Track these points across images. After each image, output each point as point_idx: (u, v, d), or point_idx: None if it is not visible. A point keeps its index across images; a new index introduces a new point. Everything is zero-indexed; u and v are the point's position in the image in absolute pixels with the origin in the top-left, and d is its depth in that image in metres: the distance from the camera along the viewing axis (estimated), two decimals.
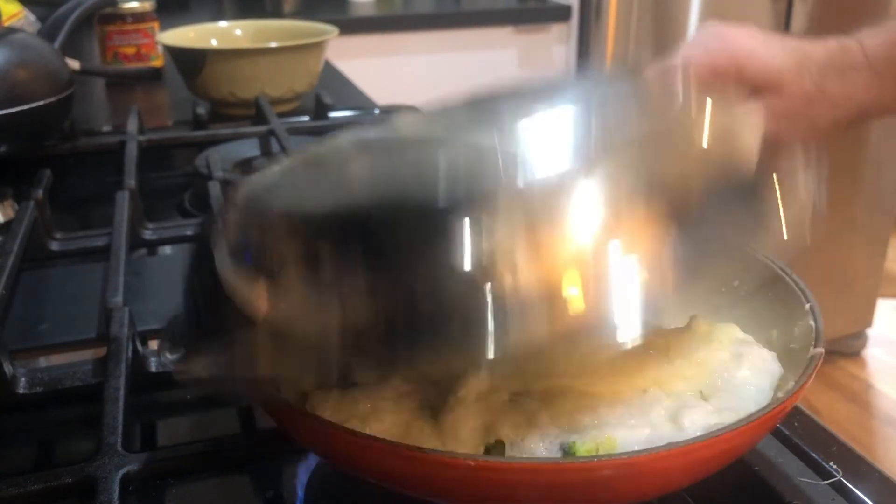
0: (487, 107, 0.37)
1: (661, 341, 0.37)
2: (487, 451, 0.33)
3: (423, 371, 0.35)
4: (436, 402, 0.34)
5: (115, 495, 0.37)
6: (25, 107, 0.73)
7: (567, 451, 0.32)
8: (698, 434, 0.31)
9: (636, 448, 0.31)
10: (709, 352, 0.36)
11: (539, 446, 0.32)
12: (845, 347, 2.40)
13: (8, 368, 0.47)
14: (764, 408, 0.31)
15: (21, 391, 0.47)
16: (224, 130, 0.93)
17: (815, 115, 0.53)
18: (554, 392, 0.33)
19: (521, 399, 0.33)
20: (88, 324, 0.55)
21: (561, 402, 0.32)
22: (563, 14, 2.25)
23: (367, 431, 0.33)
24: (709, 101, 0.34)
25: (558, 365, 0.34)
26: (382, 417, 0.34)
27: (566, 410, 0.32)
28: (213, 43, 1.19)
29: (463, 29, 2.16)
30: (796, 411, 0.42)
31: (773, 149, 0.34)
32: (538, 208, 0.28)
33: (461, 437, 0.33)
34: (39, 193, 0.68)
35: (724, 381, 0.35)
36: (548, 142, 0.32)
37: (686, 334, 0.38)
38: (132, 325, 0.51)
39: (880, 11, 2.04)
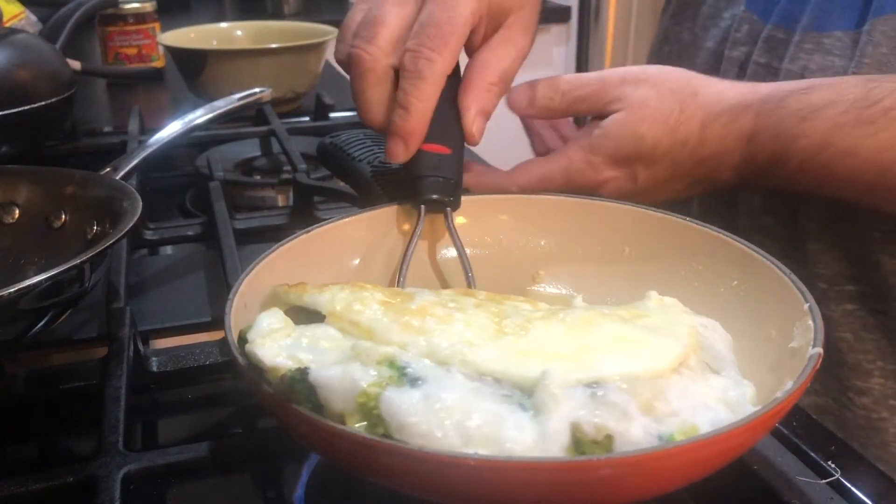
0: None
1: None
2: None
3: None
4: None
5: (117, 494, 0.37)
6: (27, 107, 0.73)
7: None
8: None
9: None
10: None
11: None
12: None
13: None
14: (763, 407, 0.31)
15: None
16: (225, 131, 0.93)
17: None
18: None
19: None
20: (90, 324, 0.55)
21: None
22: (562, 15, 2.25)
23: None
24: None
25: None
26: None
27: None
28: (214, 44, 1.19)
29: None
30: (795, 410, 0.42)
31: None
32: None
33: None
34: None
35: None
36: None
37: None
38: (133, 324, 0.51)
39: None
